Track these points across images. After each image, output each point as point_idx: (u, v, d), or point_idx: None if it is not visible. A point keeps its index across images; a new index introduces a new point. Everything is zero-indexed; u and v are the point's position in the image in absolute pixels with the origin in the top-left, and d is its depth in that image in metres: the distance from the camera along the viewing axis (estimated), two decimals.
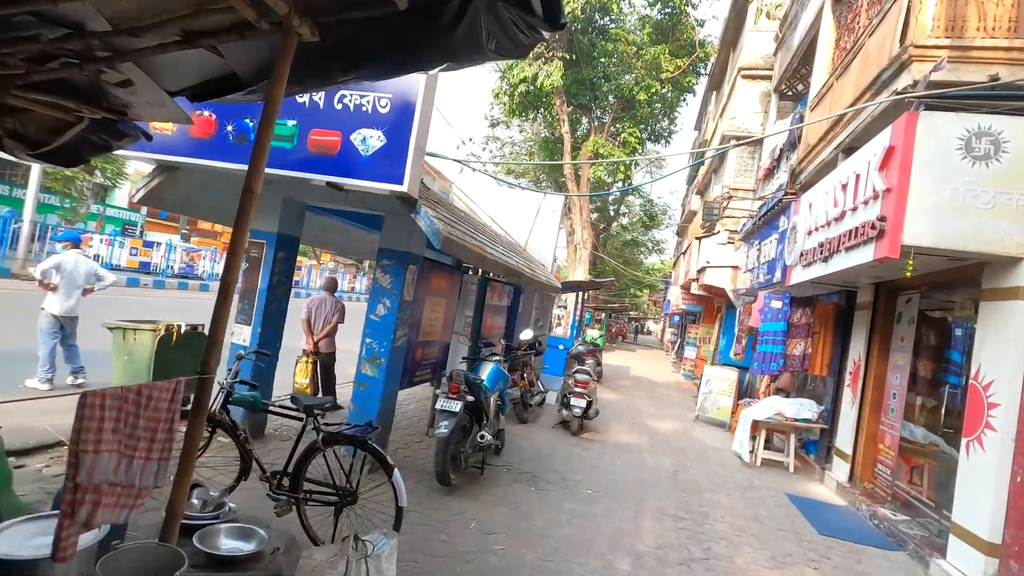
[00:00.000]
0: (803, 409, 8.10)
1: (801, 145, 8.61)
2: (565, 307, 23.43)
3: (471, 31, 2.04)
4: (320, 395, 7.19)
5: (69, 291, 6.34)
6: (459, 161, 9.05)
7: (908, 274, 4.75)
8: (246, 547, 3.03)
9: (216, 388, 3.96)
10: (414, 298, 5.61)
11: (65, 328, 6.32)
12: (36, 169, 16.82)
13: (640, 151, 20.77)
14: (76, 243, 6.65)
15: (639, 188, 34.00)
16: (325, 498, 3.57)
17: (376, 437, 5.15)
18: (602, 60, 19.68)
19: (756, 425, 8.19)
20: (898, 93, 5.04)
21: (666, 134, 23.02)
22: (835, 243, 5.81)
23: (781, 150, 9.94)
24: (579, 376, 8.51)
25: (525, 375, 8.88)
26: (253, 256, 5.65)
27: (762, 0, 14.04)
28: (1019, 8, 4.89)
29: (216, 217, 6.49)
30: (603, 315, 29.38)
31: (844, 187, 5.73)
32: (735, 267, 12.31)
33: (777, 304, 8.44)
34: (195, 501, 3.33)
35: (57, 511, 1.92)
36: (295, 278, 34.90)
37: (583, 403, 8.24)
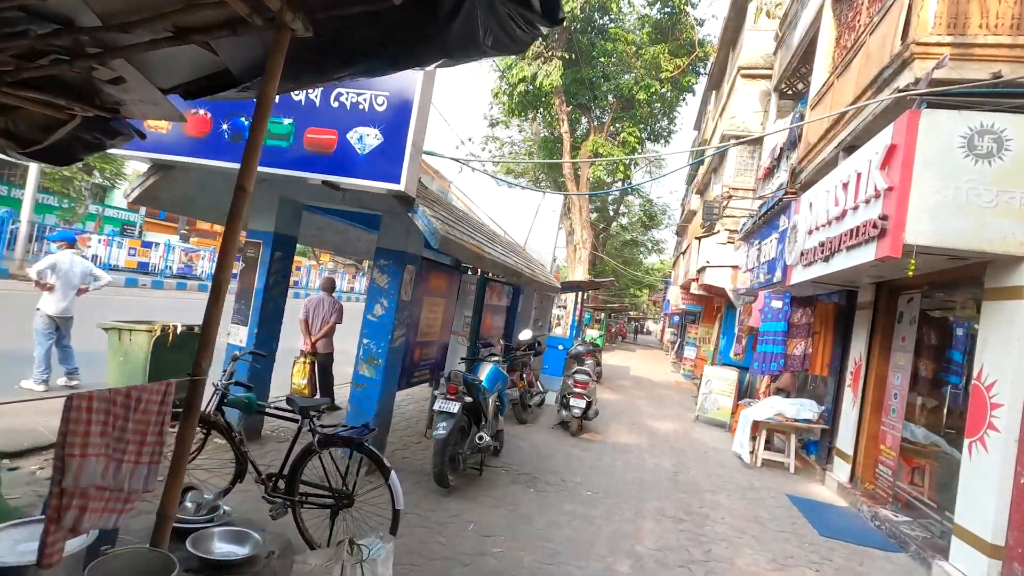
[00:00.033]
0: (804, 409, 8.06)
1: (801, 144, 8.58)
2: (565, 307, 23.40)
3: (467, 26, 2.00)
4: (318, 396, 7.15)
5: (65, 291, 6.29)
6: (457, 160, 9.00)
7: (910, 273, 4.71)
8: (240, 551, 2.98)
9: (211, 389, 3.94)
10: (412, 298, 5.57)
11: (60, 329, 6.28)
12: (34, 169, 16.76)
13: (639, 151, 20.71)
14: (71, 243, 6.60)
15: (638, 188, 34.00)
16: (321, 501, 3.53)
17: (373, 439, 5.12)
18: (601, 60, 19.64)
19: (756, 425, 8.16)
20: (900, 91, 5.00)
21: (666, 134, 22.98)
22: (836, 242, 5.77)
23: (781, 149, 9.90)
24: (578, 376, 8.47)
25: (524, 375, 8.84)
26: (249, 256, 5.60)
27: None
28: (1022, 5, 4.85)
29: (213, 217, 6.44)
30: (603, 315, 29.34)
31: (845, 186, 5.69)
32: (735, 267, 12.27)
33: (777, 304, 8.40)
34: (189, 504, 3.29)
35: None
36: (294, 278, 34.82)
37: (582, 403, 8.20)
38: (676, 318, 29.49)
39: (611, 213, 34.72)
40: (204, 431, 3.87)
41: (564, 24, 16.45)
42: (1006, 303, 4.58)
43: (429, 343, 6.79)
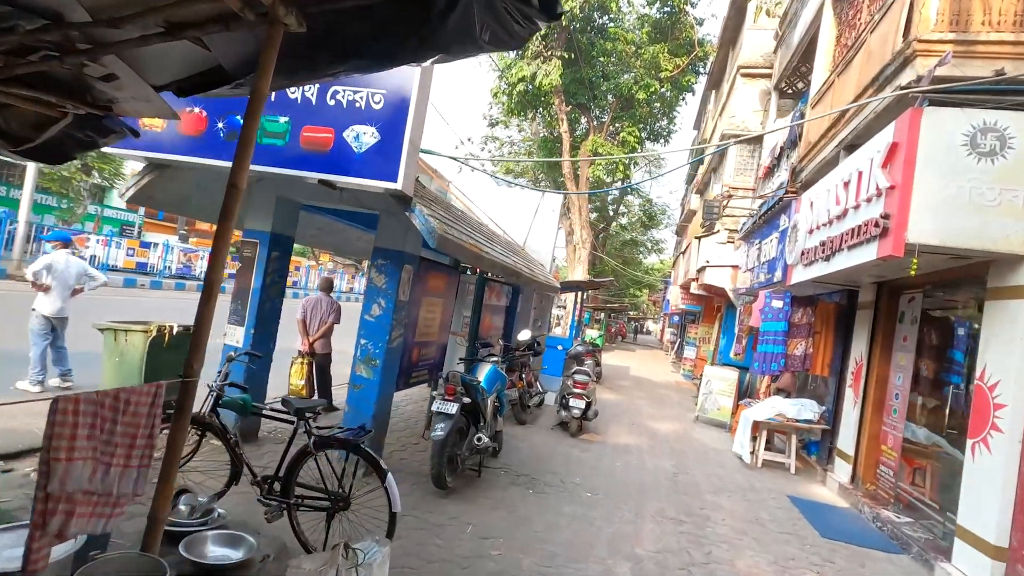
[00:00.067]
0: (804, 410, 8.02)
1: (802, 143, 8.54)
2: (564, 307, 23.35)
3: (464, 21, 1.96)
4: (316, 397, 7.10)
5: (61, 292, 6.25)
6: (455, 159, 8.95)
7: (912, 273, 4.67)
8: (234, 555, 2.94)
9: (205, 391, 3.90)
10: (410, 298, 5.52)
11: (56, 329, 6.24)
12: (32, 169, 16.71)
13: (639, 151, 20.67)
14: (66, 243, 6.56)
15: (637, 187, 33.94)
16: (317, 503, 3.49)
17: (371, 440, 5.08)
18: (601, 59, 19.59)
19: (757, 426, 8.11)
20: (902, 88, 4.95)
21: (665, 133, 22.94)
22: (837, 241, 5.73)
23: (781, 148, 9.86)
24: (578, 377, 8.43)
25: (524, 376, 8.80)
26: (246, 256, 5.56)
27: None
28: None
29: (209, 216, 6.39)
30: (602, 315, 29.29)
31: (846, 184, 5.65)
32: (735, 266, 12.24)
33: (778, 303, 8.36)
34: (182, 507, 3.24)
35: None
36: (293, 278, 34.73)
37: (582, 404, 8.16)
38: (676, 318, 29.46)
39: (611, 213, 34.69)
40: (199, 433, 3.83)
41: (562, 20, 16.46)
42: (1009, 303, 4.53)
43: (427, 343, 6.75)
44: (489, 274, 8.80)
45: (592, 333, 21.26)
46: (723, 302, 15.32)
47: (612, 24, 19.47)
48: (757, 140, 12.95)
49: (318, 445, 3.44)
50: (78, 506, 1.83)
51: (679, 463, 7.52)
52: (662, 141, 23.03)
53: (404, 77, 4.07)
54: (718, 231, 13.32)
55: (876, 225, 4.81)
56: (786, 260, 7.62)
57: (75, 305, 6.49)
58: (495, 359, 6.70)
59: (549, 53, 17.78)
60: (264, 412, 3.82)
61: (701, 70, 20.31)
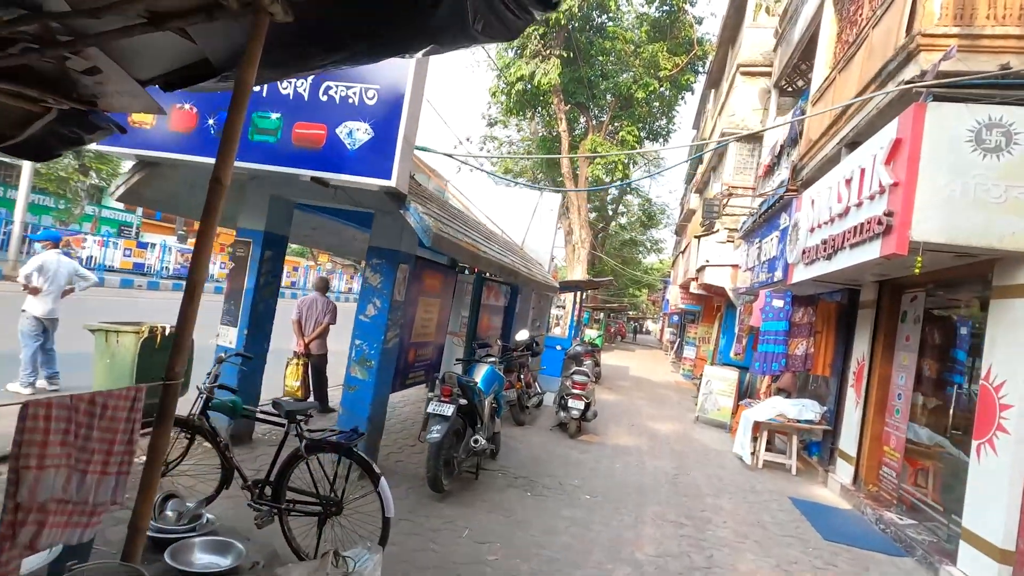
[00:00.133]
0: (805, 410, 7.94)
1: (802, 141, 8.46)
2: (563, 307, 23.27)
3: (455, 10, 1.89)
4: (312, 398, 7.02)
5: (52, 292, 6.17)
6: (451, 156, 8.87)
7: (916, 271, 4.59)
8: (223, 562, 2.86)
9: (195, 393, 3.81)
10: (406, 298, 5.44)
11: (47, 330, 6.15)
12: (27, 169, 16.63)
13: (638, 150, 20.58)
14: (56, 242, 6.47)
15: (637, 187, 33.86)
16: (309, 508, 3.40)
17: (366, 443, 5.00)
18: (600, 58, 19.51)
19: (758, 426, 8.03)
20: (906, 83, 4.88)
21: (664, 133, 22.85)
22: (839, 240, 5.65)
23: (782, 146, 9.78)
24: (577, 377, 8.35)
25: (522, 376, 8.71)
26: (239, 256, 5.47)
27: None
28: None
29: (200, 215, 6.30)
30: (602, 315, 29.22)
31: (848, 182, 5.57)
32: (735, 266, 12.16)
33: (778, 303, 8.28)
34: (169, 513, 3.16)
35: None
36: (291, 279, 34.61)
37: (581, 405, 8.08)
38: (675, 318, 29.38)
39: (610, 213, 34.60)
40: (188, 436, 3.74)
41: (561, 19, 16.39)
42: (1015, 301, 4.45)
43: (424, 344, 6.66)
44: (487, 274, 8.72)
45: (591, 333, 21.16)
46: (723, 302, 15.25)
47: (611, 23, 19.39)
48: (757, 138, 12.87)
49: (309, 449, 3.36)
50: (51, 516, 1.75)
51: (679, 464, 7.44)
52: (661, 140, 22.94)
53: (398, 72, 3.99)
54: (718, 230, 13.24)
55: (879, 223, 4.73)
56: (787, 259, 7.54)
57: (70, 306, 6.40)
58: (492, 360, 6.62)
59: (548, 52, 17.70)
60: (254, 415, 3.73)
61: (700, 69, 20.24)
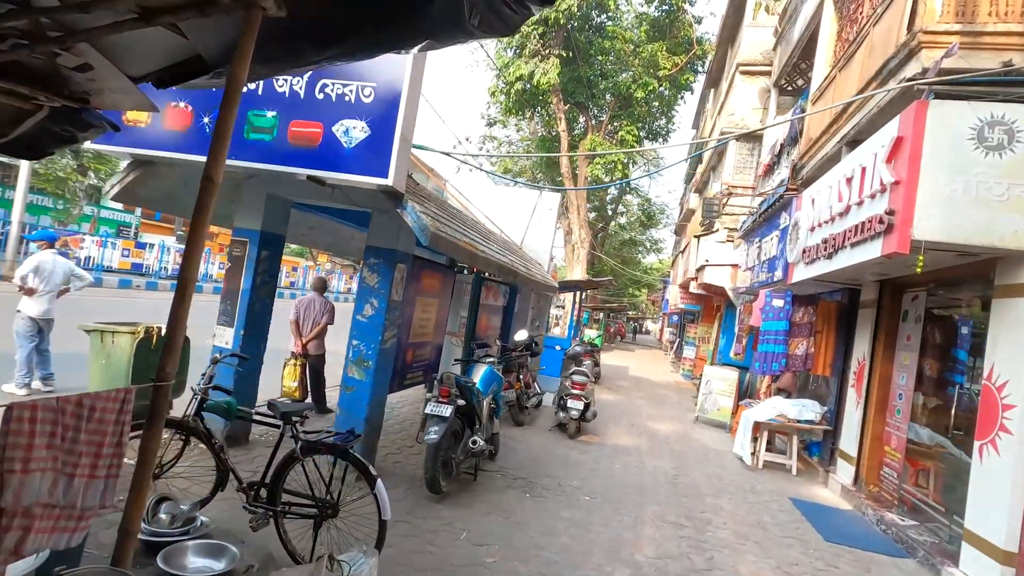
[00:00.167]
0: (806, 410, 7.90)
1: (802, 139, 8.42)
2: (563, 307, 23.23)
3: (451, 5, 1.85)
4: (309, 399, 6.98)
5: (47, 293, 6.13)
6: (448, 154, 8.83)
7: (918, 270, 4.55)
8: (216, 566, 2.82)
9: (190, 394, 3.77)
10: (404, 298, 5.40)
11: (42, 331, 6.11)
12: (25, 169, 16.58)
13: (637, 148, 20.54)
14: (51, 242, 6.43)
15: (636, 186, 33.82)
16: (304, 511, 3.36)
17: (363, 444, 4.96)
18: (599, 58, 19.47)
19: (758, 426, 7.99)
20: (907, 81, 4.84)
21: (664, 132, 22.80)
22: (840, 239, 5.62)
23: (782, 145, 9.75)
24: (576, 377, 8.32)
25: (521, 377, 8.67)
26: (235, 255, 5.43)
27: None
28: None
29: None
30: (601, 315, 29.17)
31: (849, 181, 5.54)
32: (735, 265, 12.12)
33: (779, 302, 8.24)
34: (163, 516, 3.12)
35: None
36: (291, 279, 34.48)
37: (580, 405, 8.04)
38: (675, 317, 29.34)
39: (609, 212, 34.57)
40: (183, 438, 3.70)
41: (560, 18, 16.34)
42: (1018, 300, 4.42)
43: (422, 344, 6.63)
44: (486, 273, 8.68)
45: (591, 333, 21.11)
46: (723, 301, 15.21)
47: (610, 22, 19.35)
48: (757, 137, 12.84)
49: (305, 450, 3.32)
50: (36, 520, 1.70)
51: (679, 465, 7.41)
52: (661, 140, 22.90)
53: (395, 69, 3.95)
54: (717, 230, 13.20)
55: (880, 221, 4.70)
56: (787, 258, 7.51)
57: (67, 306, 6.37)
58: (491, 360, 6.58)
59: (547, 52, 17.66)
60: (249, 416, 3.69)
61: (700, 69, 20.19)
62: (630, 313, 48.40)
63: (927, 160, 4.47)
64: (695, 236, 15.37)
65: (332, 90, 4.07)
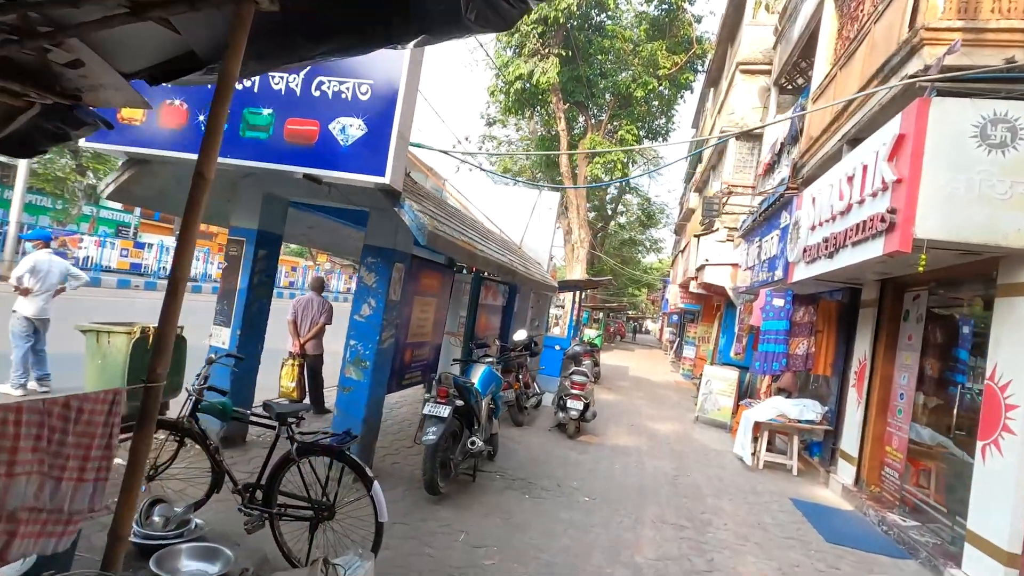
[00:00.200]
0: (806, 410, 7.86)
1: (803, 138, 8.38)
2: (562, 306, 23.19)
3: None
4: (307, 399, 6.94)
5: (43, 293, 6.09)
6: (446, 152, 8.79)
7: (921, 269, 4.51)
8: (211, 569, 2.78)
9: (184, 395, 3.73)
10: (402, 298, 5.36)
11: (38, 331, 6.07)
12: (23, 169, 16.54)
13: (636, 146, 20.49)
14: (47, 241, 6.39)
15: (636, 186, 33.78)
16: (300, 513, 3.32)
17: (361, 445, 4.92)
18: (599, 57, 19.43)
19: (758, 426, 7.96)
20: (909, 78, 4.80)
21: (664, 132, 22.77)
22: (841, 238, 5.58)
23: (782, 144, 9.70)
24: (576, 377, 8.28)
25: (520, 377, 8.63)
26: (232, 255, 5.39)
27: None
28: None
29: None
30: (601, 314, 29.13)
31: (850, 179, 5.50)
32: (735, 265, 12.08)
33: (779, 302, 8.20)
34: (156, 518, 3.08)
35: None
36: (290, 279, 34.37)
37: (580, 405, 8.00)
38: (675, 317, 29.30)
39: (609, 212, 34.54)
40: (178, 439, 3.66)
41: (560, 17, 16.29)
42: (1020, 299, 4.38)
43: (421, 344, 6.58)
44: (485, 273, 8.64)
45: (590, 333, 21.07)
46: (723, 301, 15.18)
47: (610, 22, 19.31)
48: (757, 136, 12.80)
49: (301, 452, 3.28)
50: (22, 525, 1.67)
51: (679, 465, 7.37)
52: (660, 139, 22.88)
53: (392, 66, 3.91)
54: (717, 229, 13.16)
55: (882, 220, 4.66)
56: (787, 257, 7.47)
57: (64, 306, 6.33)
58: (490, 360, 6.54)
59: (546, 51, 17.62)
60: (244, 417, 3.65)
61: (699, 68, 20.16)
62: (630, 313, 48.36)
63: (929, 158, 4.43)
64: (695, 235, 15.33)
65: (328, 87, 4.03)
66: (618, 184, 27.56)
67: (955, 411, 5.43)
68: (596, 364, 14.10)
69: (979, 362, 5.09)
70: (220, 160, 3.98)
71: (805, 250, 6.74)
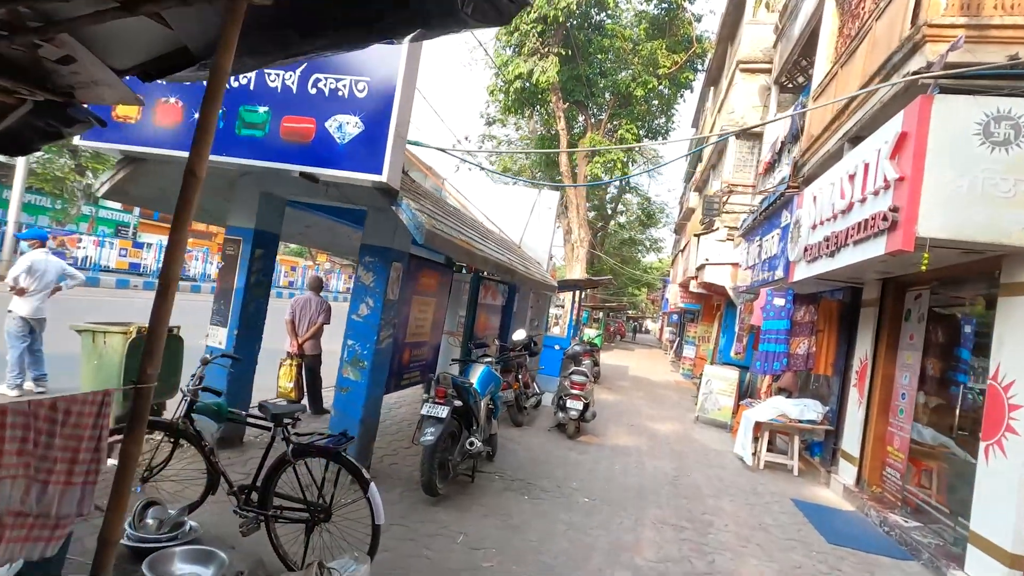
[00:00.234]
0: (807, 410, 7.82)
1: (804, 136, 8.34)
2: (562, 306, 23.16)
3: None
4: (305, 399, 6.91)
5: (39, 292, 6.05)
6: (444, 150, 8.75)
7: (923, 268, 4.47)
8: (204, 572, 2.75)
9: (179, 396, 3.69)
10: (400, 297, 5.32)
11: (34, 331, 6.03)
12: (21, 169, 16.49)
13: (635, 144, 20.45)
14: (43, 240, 6.35)
15: (635, 185, 33.74)
16: (296, 515, 3.28)
17: (359, 446, 4.88)
18: (598, 56, 19.40)
19: (759, 426, 7.92)
20: (911, 75, 4.76)
21: (663, 131, 22.73)
22: (842, 237, 5.54)
23: (782, 143, 9.66)
24: (575, 377, 8.24)
25: (520, 377, 8.59)
26: (229, 254, 5.35)
27: None
28: None
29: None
30: (601, 314, 29.10)
31: (852, 178, 5.45)
32: (735, 264, 12.04)
33: (780, 301, 8.16)
34: (150, 521, 3.05)
35: None
36: (290, 279, 34.30)
37: (580, 405, 7.96)
38: (675, 317, 29.26)
39: (609, 211, 34.50)
40: (172, 440, 3.62)
41: (559, 17, 16.25)
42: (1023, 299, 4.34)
43: (420, 344, 6.55)
44: (484, 272, 8.60)
45: (590, 332, 21.04)
46: (723, 300, 15.13)
47: (609, 21, 19.27)
48: (757, 135, 12.76)
49: (296, 453, 3.24)
50: (7, 530, 1.63)
51: (679, 465, 7.33)
52: (660, 138, 22.84)
53: (389, 63, 3.87)
54: (717, 228, 13.12)
55: (884, 219, 4.61)
56: (788, 257, 7.43)
57: (63, 306, 6.29)
58: (489, 360, 6.50)
59: (546, 50, 17.58)
60: (240, 418, 3.61)
61: (699, 67, 20.12)
62: (630, 312, 48.34)
63: (932, 156, 4.39)
64: (695, 235, 15.29)
65: (325, 84, 3.99)
66: (618, 183, 27.53)
67: (957, 411, 5.39)
68: (596, 364, 14.07)
69: (981, 362, 5.05)
70: (216, 159, 3.94)
71: (806, 249, 6.70)
